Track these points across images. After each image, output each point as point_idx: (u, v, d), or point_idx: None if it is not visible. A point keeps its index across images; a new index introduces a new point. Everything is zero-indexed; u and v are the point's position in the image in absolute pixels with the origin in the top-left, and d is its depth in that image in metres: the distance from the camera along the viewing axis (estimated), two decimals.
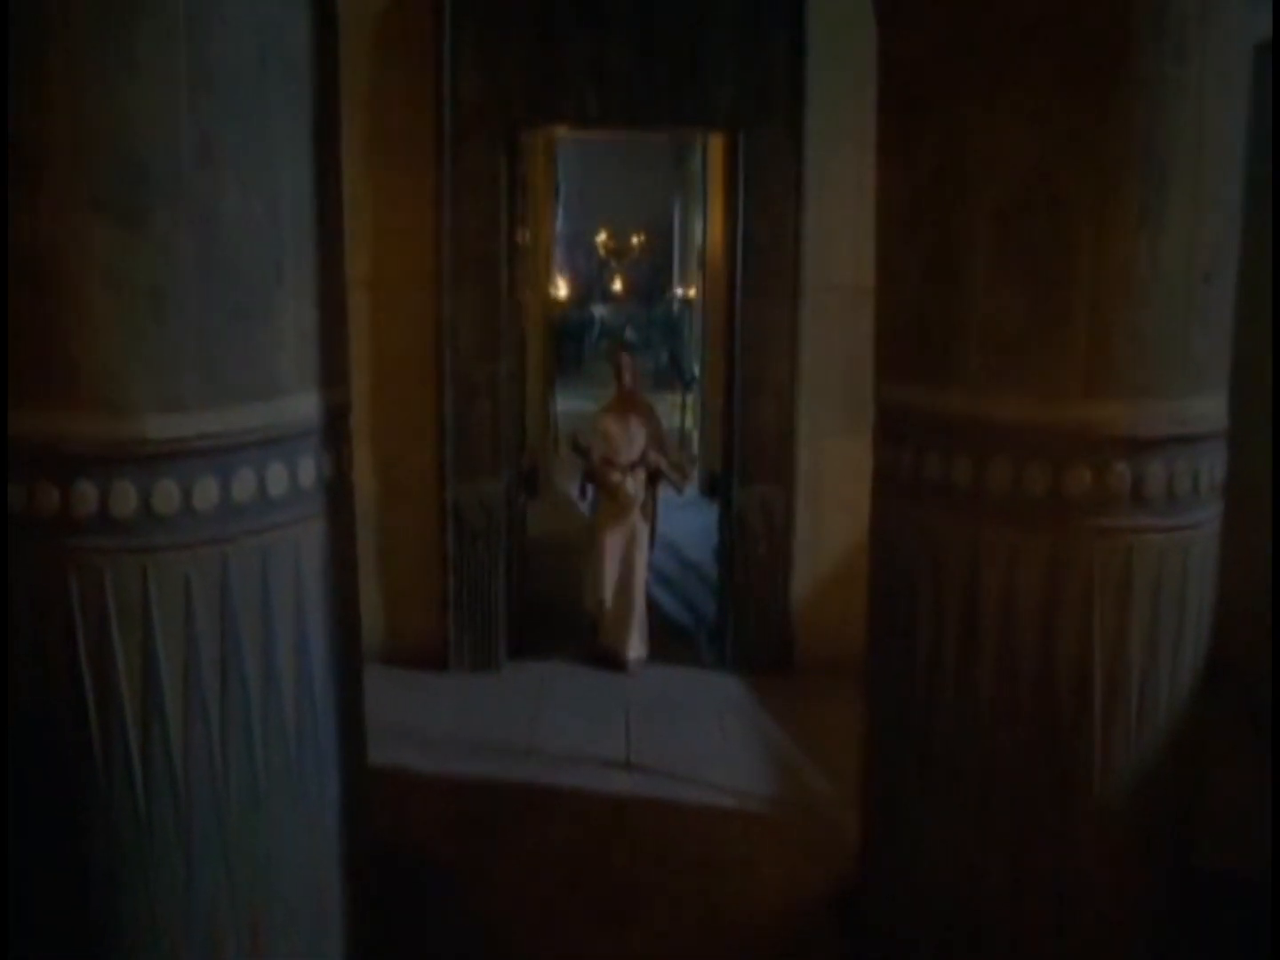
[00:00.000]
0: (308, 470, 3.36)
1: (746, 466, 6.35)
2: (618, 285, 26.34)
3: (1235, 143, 3.20)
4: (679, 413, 15.86)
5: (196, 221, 3.00)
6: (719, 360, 7.57)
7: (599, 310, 27.31)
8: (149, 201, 2.94)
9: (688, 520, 9.44)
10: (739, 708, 6.02)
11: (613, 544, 6.62)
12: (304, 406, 3.33)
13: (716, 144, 8.40)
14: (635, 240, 25.24)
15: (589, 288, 25.79)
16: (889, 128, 3.52)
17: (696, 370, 13.28)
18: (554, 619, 7.19)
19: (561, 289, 14.74)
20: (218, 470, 3.12)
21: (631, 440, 6.64)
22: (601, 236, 25.21)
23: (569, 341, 22.09)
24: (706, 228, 11.27)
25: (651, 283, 25.52)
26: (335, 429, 3.52)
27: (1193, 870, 3.77)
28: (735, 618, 6.48)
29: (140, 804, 3.17)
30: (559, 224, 17.10)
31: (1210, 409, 3.27)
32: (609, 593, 6.60)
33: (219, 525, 3.14)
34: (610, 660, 6.57)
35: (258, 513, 3.22)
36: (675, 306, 22.28)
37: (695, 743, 5.56)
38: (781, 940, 4.07)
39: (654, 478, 6.76)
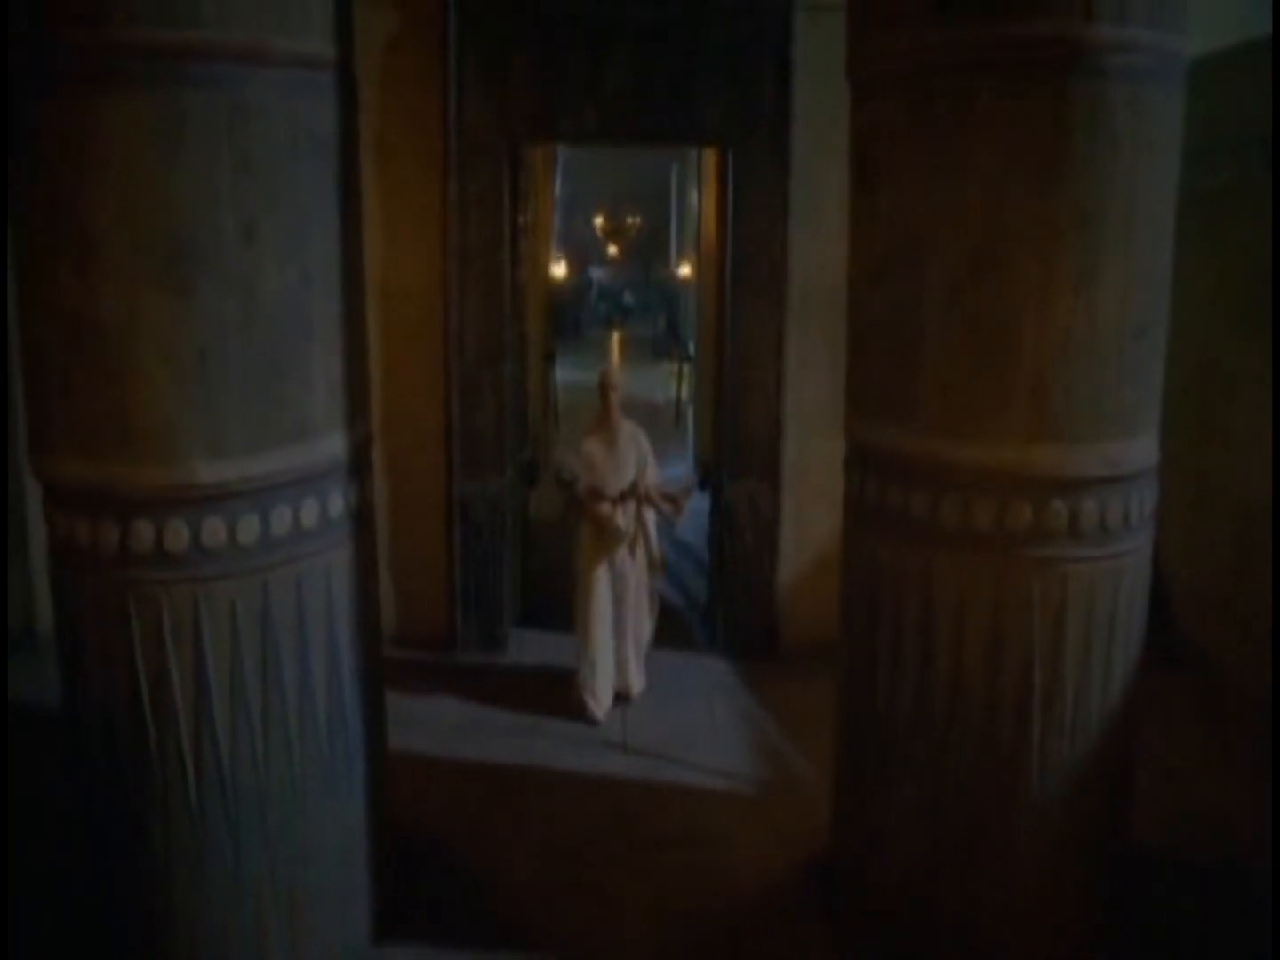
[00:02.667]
0: (336, 503, 3.78)
1: (735, 462, 6.75)
2: (614, 250, 26.46)
3: (1165, 213, 3.57)
4: (675, 382, 16.13)
5: (238, 291, 3.39)
6: (710, 359, 7.90)
7: (596, 273, 27.45)
8: (195, 274, 3.33)
9: None
10: (727, 690, 6.46)
11: (601, 586, 6.10)
12: (332, 445, 3.74)
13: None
14: (631, 221, 25.42)
15: (586, 251, 25.93)
16: (857, 192, 3.89)
17: (692, 344, 13.48)
18: (556, 599, 7.53)
19: (560, 268, 14.98)
20: (258, 508, 3.54)
21: (619, 468, 6.06)
22: (599, 219, 25.40)
23: (566, 307, 22.30)
24: (702, 206, 11.52)
25: (649, 246, 25.69)
26: (359, 462, 3.92)
27: (1133, 852, 4.22)
28: (724, 604, 6.91)
29: (193, 798, 3.62)
30: (557, 200, 17.28)
31: (1139, 451, 3.66)
32: (601, 646, 6.11)
33: (260, 556, 3.57)
34: (616, 698, 6.22)
35: (293, 543, 3.65)
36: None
37: (686, 725, 5.97)
38: (760, 910, 4.51)
39: (641, 504, 6.17)
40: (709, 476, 7.15)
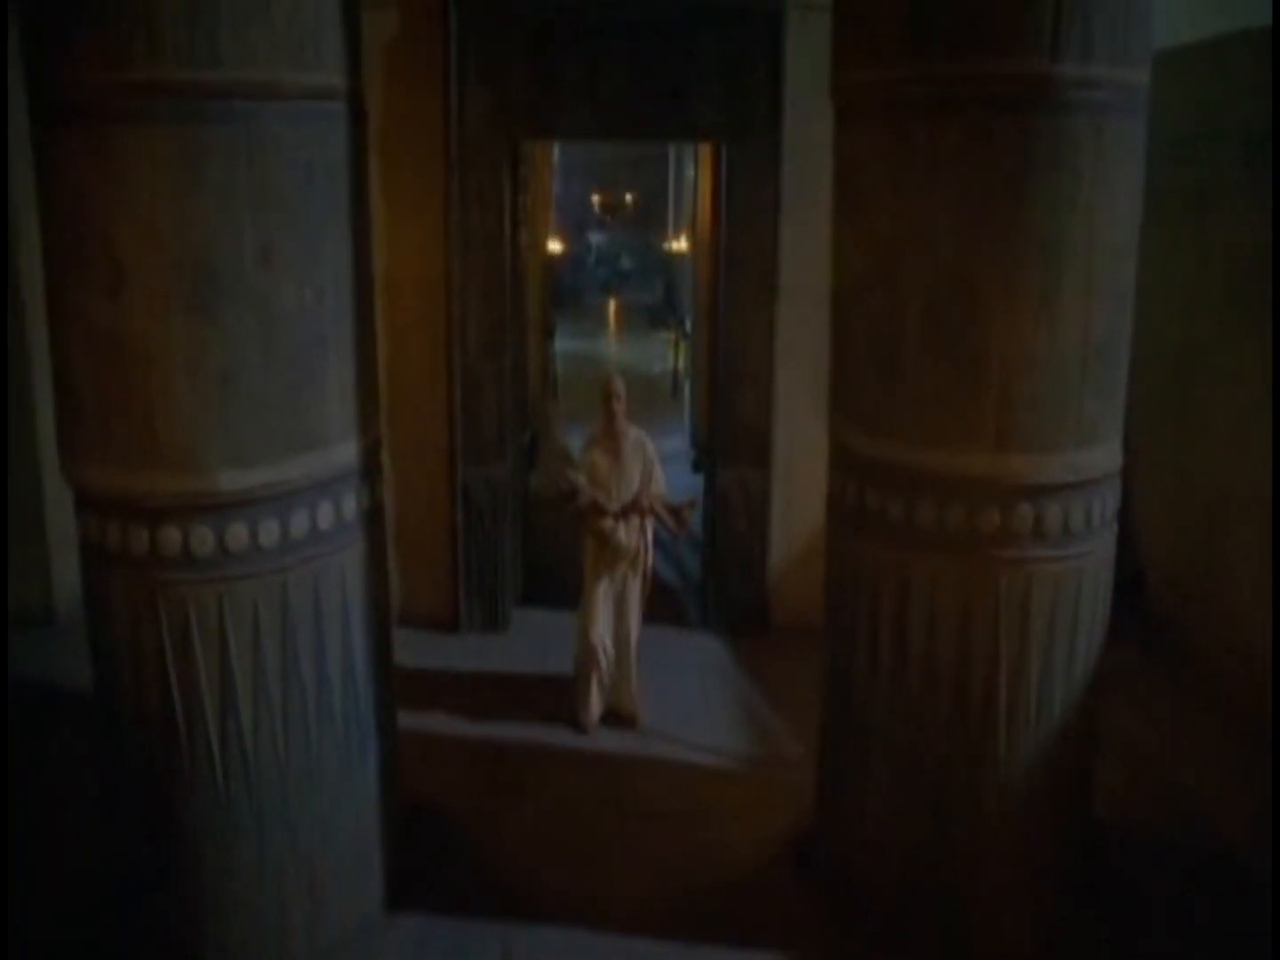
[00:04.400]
0: (349, 505, 4.03)
1: (728, 449, 7.00)
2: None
3: (1125, 237, 3.80)
4: (673, 351, 16.22)
5: (257, 312, 3.63)
6: (704, 346, 8.09)
7: (595, 237, 27.47)
8: (217, 297, 3.57)
9: (677, 479, 10.02)
10: (719, 667, 6.73)
11: (601, 600, 5.93)
12: (346, 452, 3.99)
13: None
14: (629, 198, 25.46)
15: (584, 216, 25.92)
16: (839, 210, 4.12)
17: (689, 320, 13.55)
18: (557, 579, 7.76)
19: (557, 244, 15.10)
20: (278, 512, 3.80)
21: (623, 479, 5.84)
22: (596, 196, 25.42)
23: (565, 275, 22.39)
24: (698, 182, 11.65)
25: (648, 211, 25.69)
26: (370, 465, 4.17)
27: (1095, 820, 4.52)
28: (717, 583, 7.17)
29: (219, 783, 3.91)
30: (555, 168, 17.41)
31: (1101, 458, 3.91)
32: (599, 659, 5.96)
33: (280, 557, 3.83)
34: (616, 720, 6.03)
35: (311, 544, 3.91)
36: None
37: (679, 702, 6.24)
38: (747, 878, 4.79)
39: (644, 517, 5.94)
40: (701, 461, 7.35)
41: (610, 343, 20.59)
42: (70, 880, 4.60)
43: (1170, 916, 4.48)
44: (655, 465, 5.94)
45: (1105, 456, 3.94)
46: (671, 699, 6.28)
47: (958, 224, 3.67)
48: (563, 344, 16.17)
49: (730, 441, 6.99)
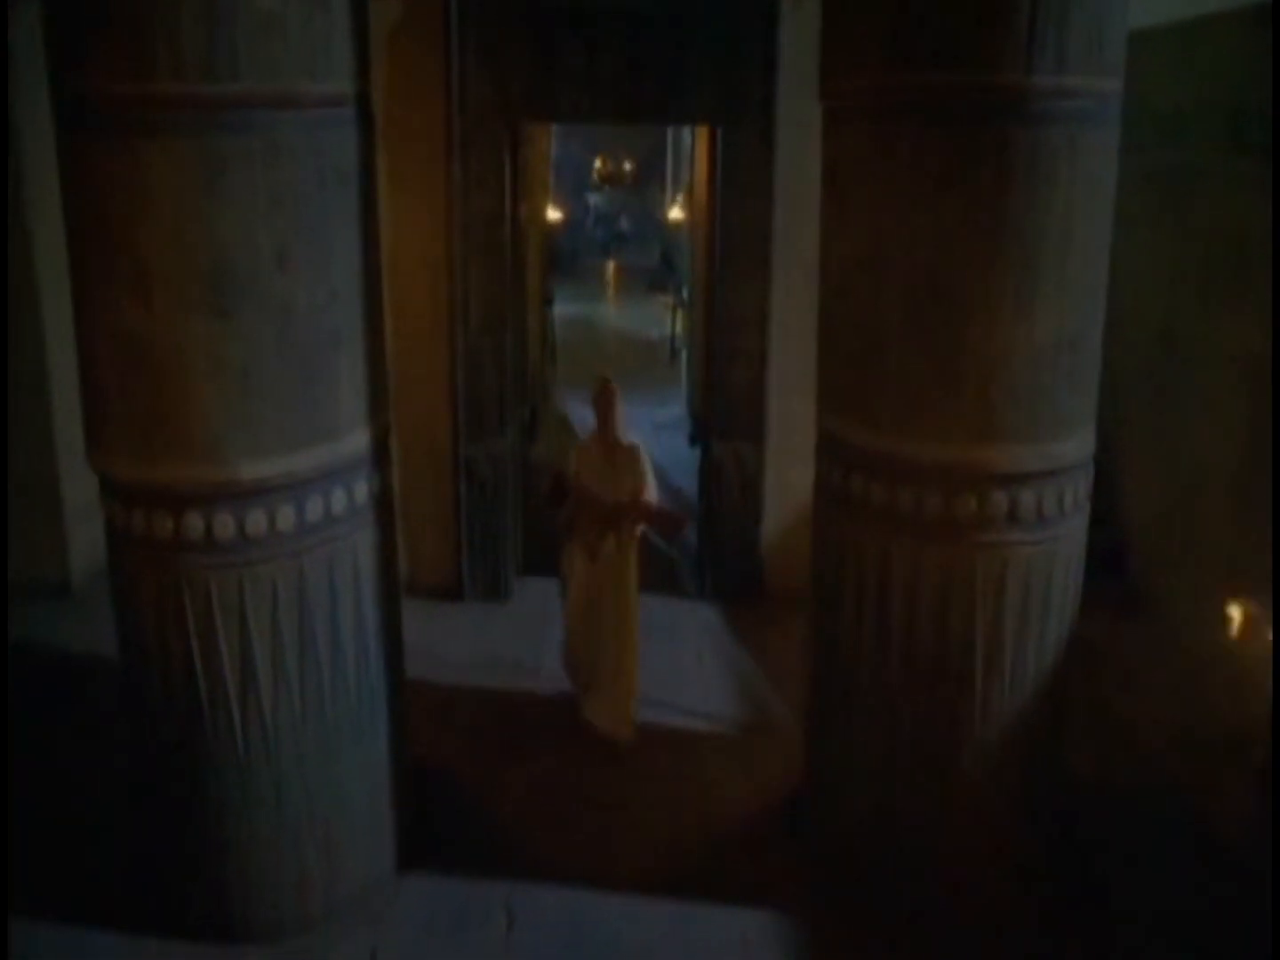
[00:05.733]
0: (361, 490, 4.25)
1: (723, 423, 7.21)
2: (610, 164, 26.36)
3: (1099, 239, 4.00)
4: (670, 316, 16.34)
5: (274, 312, 3.84)
6: (701, 320, 8.26)
7: (593, 198, 27.51)
8: (237, 298, 3.77)
9: (674, 445, 10.24)
10: (713, 635, 6.98)
11: (589, 615, 5.70)
12: (357, 441, 4.20)
13: None
14: (627, 165, 25.48)
15: (582, 178, 25.94)
16: (827, 207, 4.31)
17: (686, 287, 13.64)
18: (557, 545, 7.97)
19: (556, 212, 15.19)
20: (294, 499, 4.01)
21: (610, 482, 5.57)
22: (596, 163, 25.45)
23: (563, 235, 22.41)
24: (694, 153, 11.76)
25: (647, 172, 25.72)
26: (380, 452, 4.39)
27: (1068, 784, 4.78)
28: (712, 554, 7.41)
29: (240, 751, 4.15)
30: (553, 133, 17.43)
31: (1073, 447, 4.13)
32: (584, 667, 5.80)
33: (296, 541, 4.05)
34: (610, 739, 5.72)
35: (325, 528, 4.13)
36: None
37: (675, 668, 6.49)
38: (737, 839, 5.06)
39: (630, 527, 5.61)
40: (696, 434, 7.53)
41: (608, 307, 20.71)
42: (97, 839, 4.87)
43: (1135, 877, 4.75)
44: (647, 478, 5.58)
45: (1077, 446, 4.16)
46: (668, 666, 6.51)
47: (938, 228, 3.87)
48: (561, 308, 16.28)
49: (725, 416, 7.20)
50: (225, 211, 3.69)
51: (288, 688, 4.15)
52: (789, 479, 7.09)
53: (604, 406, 5.59)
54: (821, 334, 4.48)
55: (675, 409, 12.15)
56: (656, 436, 10.94)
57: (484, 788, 5.41)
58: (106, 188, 3.65)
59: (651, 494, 5.62)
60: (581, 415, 12.00)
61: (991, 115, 3.74)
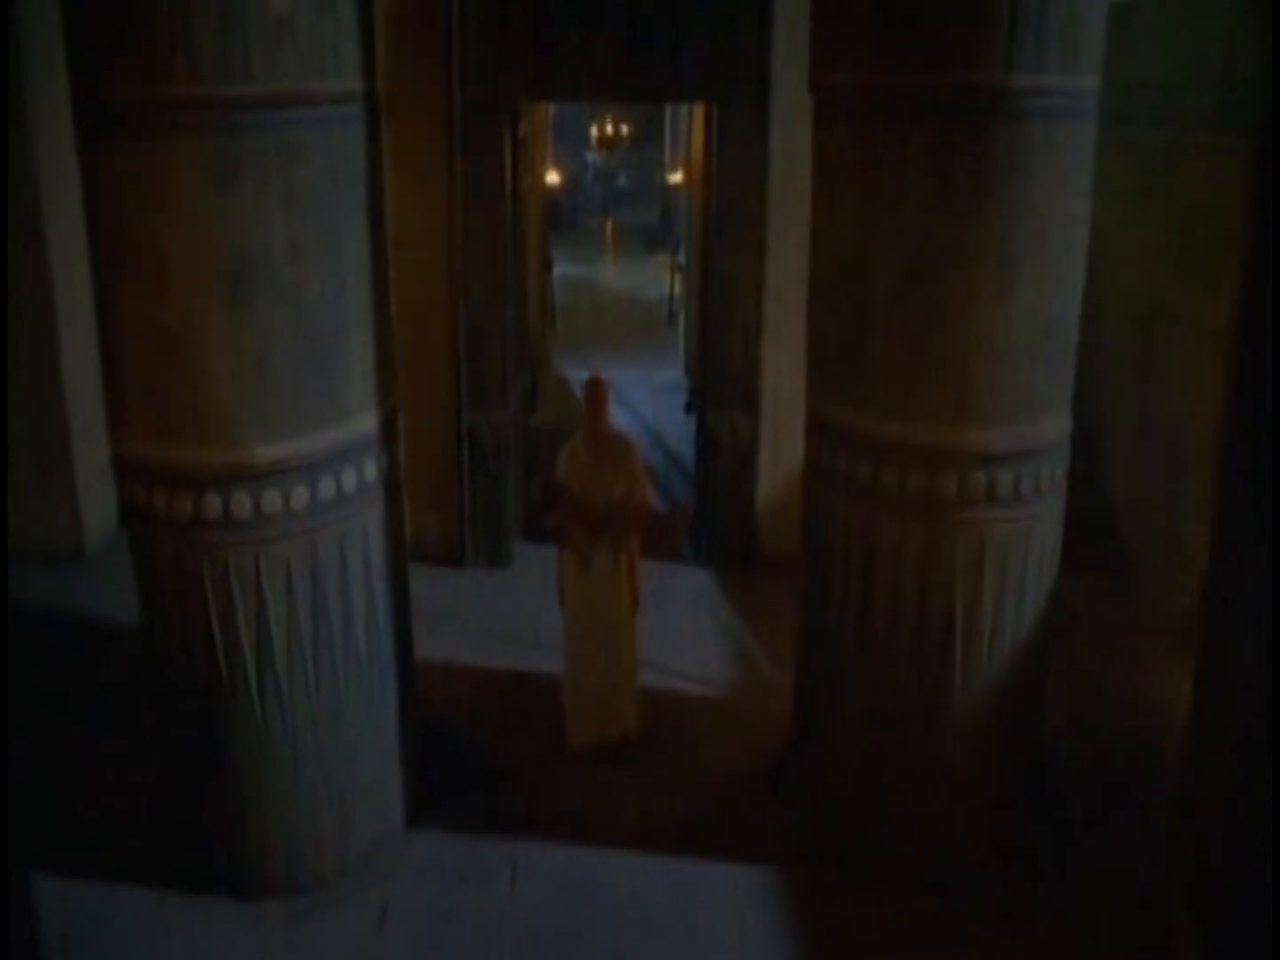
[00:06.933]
0: (370, 470, 4.45)
1: (718, 392, 7.40)
2: (609, 129, 26.34)
3: (1075, 231, 4.17)
4: (669, 276, 16.37)
5: (287, 302, 4.02)
6: (696, 299, 8.40)
7: (591, 156, 27.47)
8: (252, 290, 3.96)
9: (672, 409, 10.42)
10: (708, 599, 7.21)
11: (578, 622, 5.49)
12: (366, 423, 4.40)
13: None
14: (625, 130, 25.43)
15: (581, 135, 25.90)
16: (818, 198, 4.48)
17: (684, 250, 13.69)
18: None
19: (555, 176, 15.25)
20: (307, 480, 4.22)
21: (600, 481, 5.34)
22: (594, 129, 25.42)
23: (561, 194, 22.41)
24: (692, 119, 11.84)
25: (647, 132, 25.67)
26: (388, 432, 4.58)
27: (1046, 745, 5.01)
28: (707, 521, 7.62)
29: (258, 718, 4.38)
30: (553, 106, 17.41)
31: (1049, 429, 4.33)
32: (579, 682, 5.54)
33: (309, 519, 4.26)
34: (615, 750, 5.57)
35: (337, 506, 4.33)
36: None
37: (671, 633, 6.70)
38: (732, 794, 5.32)
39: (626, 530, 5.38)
40: (692, 403, 7.69)
41: (607, 267, 20.77)
42: (120, 799, 5.12)
43: (1105, 831, 5.00)
44: (640, 476, 5.39)
45: (1053, 428, 4.35)
46: (664, 631, 6.71)
47: (921, 220, 4.04)
48: (560, 269, 16.36)
49: (720, 386, 7.39)
50: (240, 208, 3.87)
51: (302, 657, 4.37)
52: (783, 448, 7.29)
53: (596, 402, 5.39)
54: (811, 320, 4.66)
55: (673, 372, 12.30)
56: (655, 400, 11.17)
57: (488, 749, 5.65)
58: (127, 188, 3.83)
59: (646, 494, 5.41)
60: (581, 378, 12.27)
61: (972, 114, 3.90)
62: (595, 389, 5.41)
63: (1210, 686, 3.88)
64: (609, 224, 24.85)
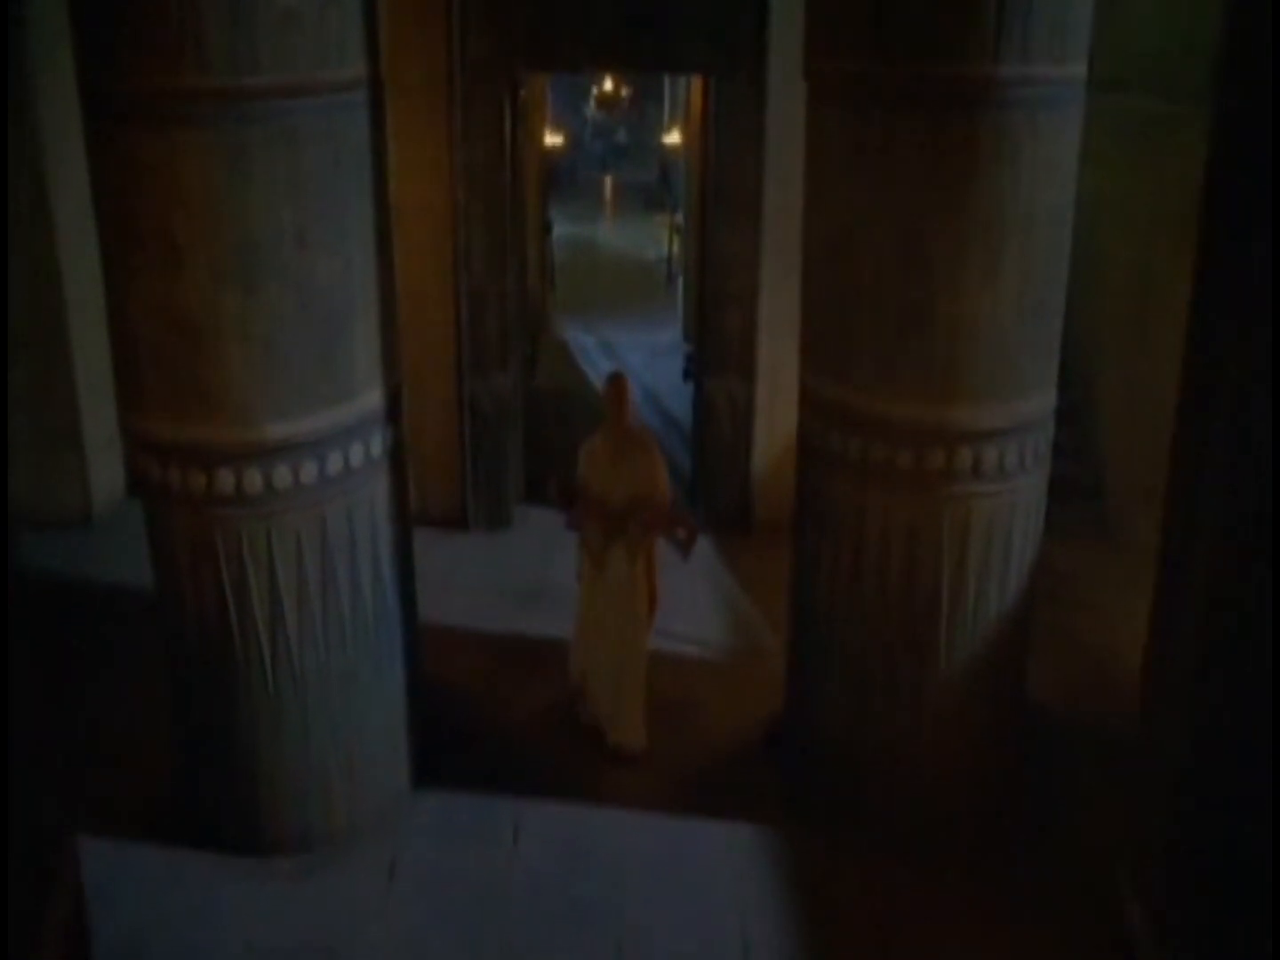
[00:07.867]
0: (376, 445, 4.60)
1: (715, 361, 7.53)
2: (608, 87, 26.19)
3: (1060, 215, 4.29)
4: (668, 235, 16.37)
5: (295, 285, 4.15)
6: (694, 269, 8.47)
7: (589, 111, 27.35)
8: (261, 274, 4.09)
9: (671, 372, 10.51)
10: (705, 565, 7.32)
11: (599, 618, 5.47)
12: (372, 400, 4.55)
13: None
14: (624, 92, 25.32)
15: (580, 88, 25.74)
16: (809, 185, 4.60)
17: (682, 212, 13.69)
18: (556, 472, 8.26)
19: (555, 137, 15.25)
20: (316, 455, 4.37)
21: (617, 480, 5.28)
22: (595, 91, 25.31)
23: (561, 155, 22.31)
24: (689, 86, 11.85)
25: (646, 89, 25.50)
26: (393, 408, 4.72)
27: (1029, 707, 5.19)
28: (705, 485, 7.79)
29: (270, 684, 4.56)
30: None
31: (1034, 406, 4.47)
32: (599, 670, 5.53)
33: (318, 493, 4.42)
34: (614, 753, 5.49)
35: (344, 480, 4.49)
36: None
37: (669, 598, 6.75)
38: (728, 756, 5.52)
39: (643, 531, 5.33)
40: (689, 370, 7.79)
41: (606, 226, 20.74)
42: (136, 757, 5.31)
43: (1086, 793, 5.20)
44: (661, 475, 5.32)
45: (1037, 405, 4.50)
46: (662, 596, 6.89)
47: (910, 204, 4.17)
48: (559, 229, 16.34)
49: (717, 355, 7.52)
50: (249, 194, 3.99)
51: (312, 624, 4.54)
52: (778, 414, 7.41)
53: (616, 399, 5.29)
54: (804, 298, 4.78)
55: (672, 333, 12.39)
56: (653, 363, 11.27)
57: (491, 711, 5.83)
58: (139, 176, 3.95)
59: (665, 492, 5.34)
60: (580, 341, 12.38)
61: (960, 102, 4.02)
62: (616, 386, 5.33)
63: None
64: (608, 180, 24.75)
